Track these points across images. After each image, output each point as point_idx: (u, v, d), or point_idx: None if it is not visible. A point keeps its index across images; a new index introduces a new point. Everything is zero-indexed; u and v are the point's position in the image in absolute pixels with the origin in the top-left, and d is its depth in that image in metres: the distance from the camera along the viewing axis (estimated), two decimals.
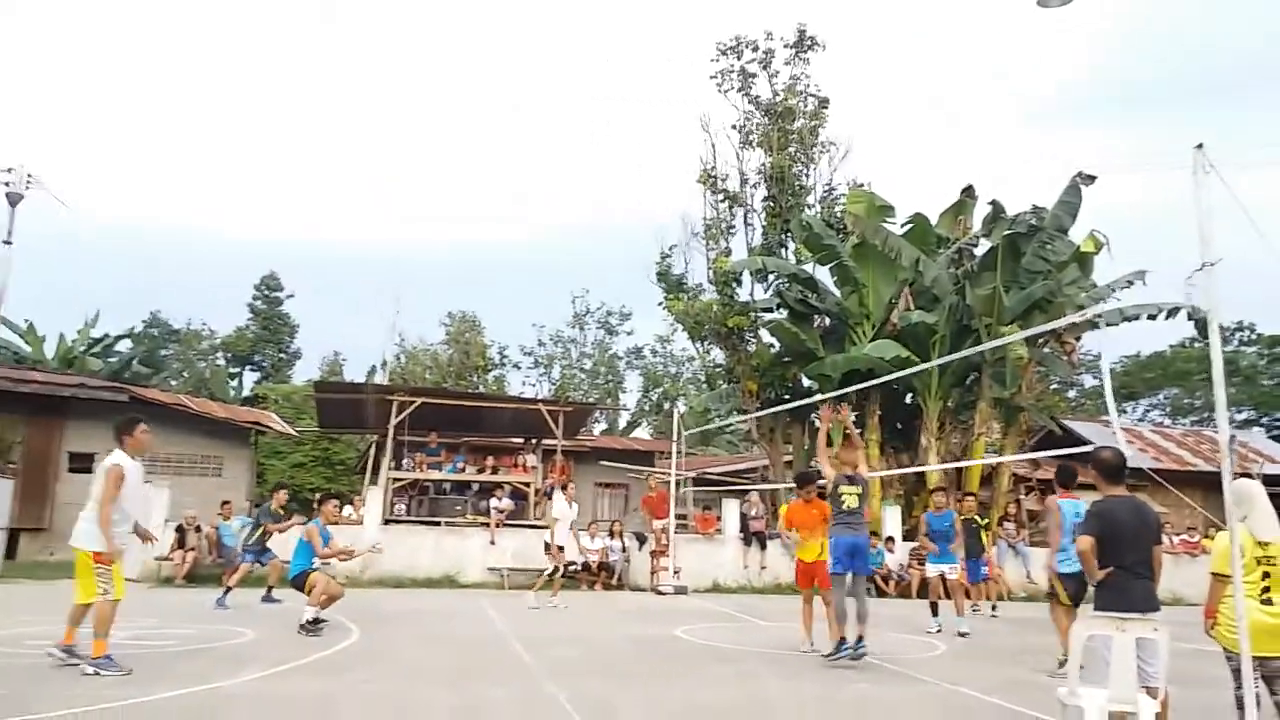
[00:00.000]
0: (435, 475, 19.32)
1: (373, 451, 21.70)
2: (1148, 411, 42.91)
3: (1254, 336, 41.94)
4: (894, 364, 17.64)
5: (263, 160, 75.82)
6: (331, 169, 77.77)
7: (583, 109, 76.08)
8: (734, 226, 23.37)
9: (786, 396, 21.00)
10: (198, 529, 15.58)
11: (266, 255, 75.29)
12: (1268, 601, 4.94)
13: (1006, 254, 19.84)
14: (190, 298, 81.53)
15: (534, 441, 21.91)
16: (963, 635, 10.78)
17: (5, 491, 16.88)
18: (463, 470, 19.66)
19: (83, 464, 21.51)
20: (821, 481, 8.76)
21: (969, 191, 22.14)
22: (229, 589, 11.86)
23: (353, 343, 74.28)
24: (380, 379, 37.27)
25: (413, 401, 18.63)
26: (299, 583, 9.59)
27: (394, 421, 18.34)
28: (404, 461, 19.09)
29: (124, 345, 38.23)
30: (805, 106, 23.13)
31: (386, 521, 17.33)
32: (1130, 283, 19.73)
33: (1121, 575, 4.85)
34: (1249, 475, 5.70)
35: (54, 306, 70.44)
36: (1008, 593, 16.26)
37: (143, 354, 40.25)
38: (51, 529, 20.55)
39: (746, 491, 19.27)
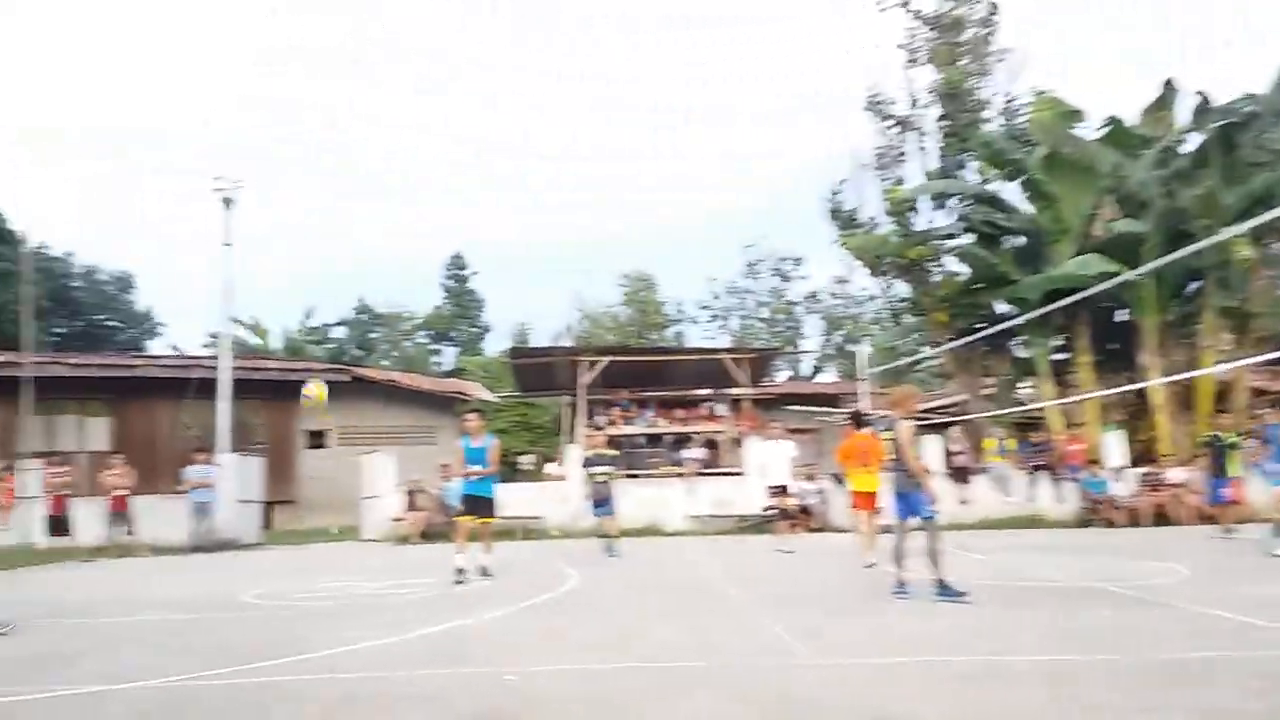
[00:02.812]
0: (628, 430, 19.97)
1: (568, 413, 22.67)
2: None
3: None
4: (1100, 280, 16.38)
5: (422, 167, 79.92)
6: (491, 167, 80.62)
7: (735, 48, 74.72)
8: (905, 153, 22.41)
9: (980, 325, 20.01)
10: (424, 492, 16.92)
11: (450, 238, 79.34)
12: None
13: (1219, 148, 17.86)
14: (389, 281, 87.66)
15: (720, 391, 22.13)
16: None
17: (257, 468, 18.99)
18: (654, 424, 20.22)
19: (317, 441, 23.84)
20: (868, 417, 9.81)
21: (1170, 85, 20.02)
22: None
23: (535, 312, 77.26)
24: (565, 344, 38.71)
25: (600, 360, 19.27)
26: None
27: (584, 381, 19.06)
28: (597, 419, 19.83)
29: (339, 332, 41.79)
30: (973, 15, 21.65)
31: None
32: None
33: None
34: None
35: (272, 300, 77.37)
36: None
37: (356, 338, 43.83)
38: (298, 501, 22.96)
39: (946, 426, 18.61)
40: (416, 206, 76.23)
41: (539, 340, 46.03)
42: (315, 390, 9.08)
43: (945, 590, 7.67)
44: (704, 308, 45.63)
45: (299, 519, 22.21)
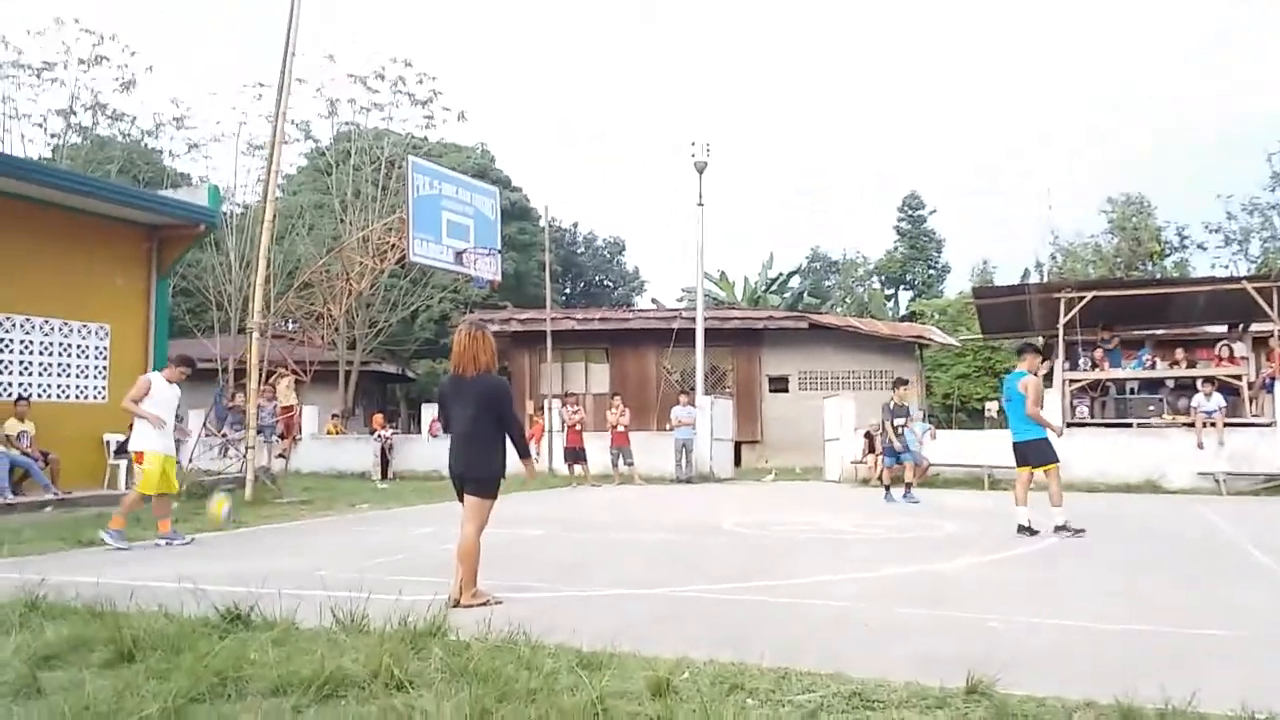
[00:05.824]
0: (1118, 374, 17.69)
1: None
2: None
3: None
4: None
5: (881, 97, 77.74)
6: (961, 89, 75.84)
7: None
8: None
9: None
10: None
11: (903, 177, 77.10)
12: None
13: None
14: (841, 229, 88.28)
15: (1240, 328, 18.52)
16: None
17: (729, 410, 20.51)
18: (1150, 366, 17.64)
19: (779, 385, 24.99)
20: None
21: None
22: (910, 485, 12.81)
23: (999, 250, 71.99)
24: (1035, 281, 35.40)
25: (1082, 296, 17.27)
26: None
27: (1064, 320, 17.26)
28: (1079, 361, 17.86)
29: (794, 281, 43.17)
30: None
31: (1068, 424, 16.45)
32: None
33: None
34: None
35: (733, 253, 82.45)
36: None
37: (810, 286, 44.94)
38: (763, 440, 24.38)
39: None
40: (866, 155, 75.28)
41: (1004, 279, 42.79)
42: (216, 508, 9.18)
43: None
44: (1214, 230, 38.36)
45: (763, 458, 23.57)
